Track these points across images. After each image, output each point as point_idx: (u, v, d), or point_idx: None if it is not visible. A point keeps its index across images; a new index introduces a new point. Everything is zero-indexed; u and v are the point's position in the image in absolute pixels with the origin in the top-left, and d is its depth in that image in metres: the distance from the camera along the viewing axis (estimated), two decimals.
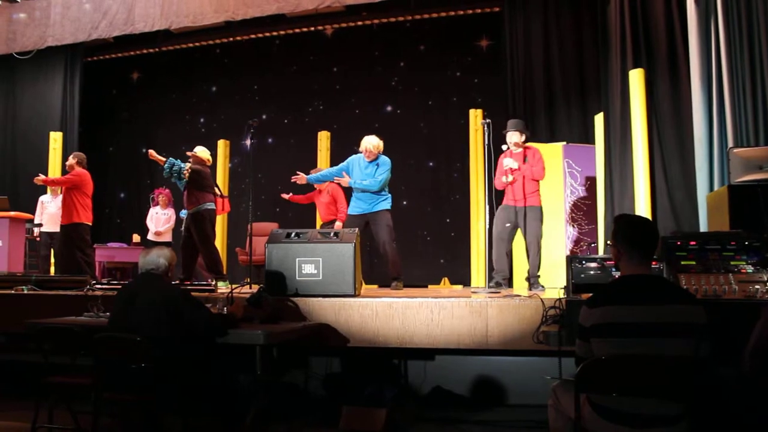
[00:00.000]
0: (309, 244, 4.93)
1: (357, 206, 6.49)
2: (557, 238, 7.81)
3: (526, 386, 4.77)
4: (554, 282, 7.46)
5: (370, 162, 6.45)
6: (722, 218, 5.04)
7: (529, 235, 6.17)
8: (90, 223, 7.70)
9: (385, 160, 6.49)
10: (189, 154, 7.07)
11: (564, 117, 8.57)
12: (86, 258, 7.62)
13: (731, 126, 5.88)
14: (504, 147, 6.34)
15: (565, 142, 8.11)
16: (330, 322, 4.55)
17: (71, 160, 7.80)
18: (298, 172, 6.83)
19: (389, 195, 6.54)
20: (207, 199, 6.92)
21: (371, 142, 6.43)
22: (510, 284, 6.51)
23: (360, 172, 6.47)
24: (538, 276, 6.21)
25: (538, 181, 6.26)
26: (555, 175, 7.90)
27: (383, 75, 10.91)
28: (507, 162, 6.20)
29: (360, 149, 6.50)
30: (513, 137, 6.29)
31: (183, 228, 7.03)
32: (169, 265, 3.81)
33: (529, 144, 6.47)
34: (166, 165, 6.93)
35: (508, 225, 6.20)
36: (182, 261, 6.95)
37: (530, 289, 6.02)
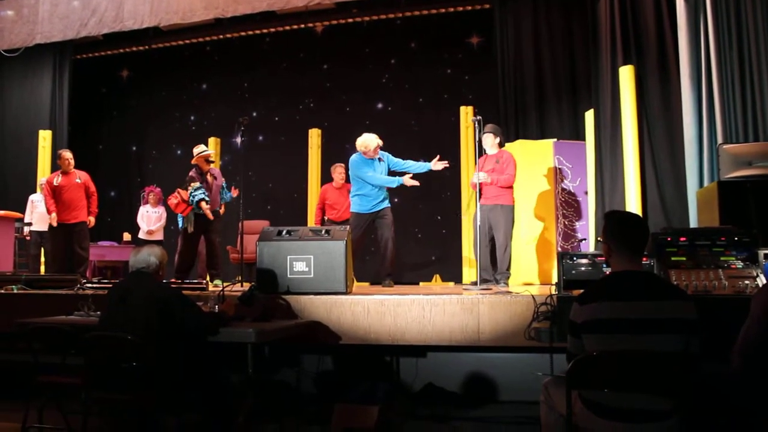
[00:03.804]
0: (300, 242, 4.92)
1: (363, 204, 6.54)
2: (548, 234, 7.83)
3: (518, 383, 4.77)
4: (545, 278, 7.52)
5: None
6: (712, 214, 5.07)
7: (497, 233, 6.30)
8: None
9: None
10: (203, 162, 7.09)
11: (554, 114, 8.60)
12: (87, 254, 7.81)
13: (720, 122, 5.91)
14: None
15: (555, 139, 8.13)
16: (322, 320, 4.55)
17: (72, 159, 7.79)
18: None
19: (387, 192, 6.68)
20: None
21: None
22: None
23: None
24: (508, 274, 6.35)
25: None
26: (545, 172, 7.93)
27: (374, 72, 10.90)
28: (481, 177, 6.26)
29: (374, 152, 6.56)
30: (487, 140, 6.45)
31: (193, 227, 6.91)
32: (160, 263, 3.79)
33: (503, 148, 6.67)
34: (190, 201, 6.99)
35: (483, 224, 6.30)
36: (186, 261, 6.91)
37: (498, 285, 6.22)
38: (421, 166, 6.57)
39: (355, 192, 6.61)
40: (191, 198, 6.82)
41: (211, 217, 6.96)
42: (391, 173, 6.69)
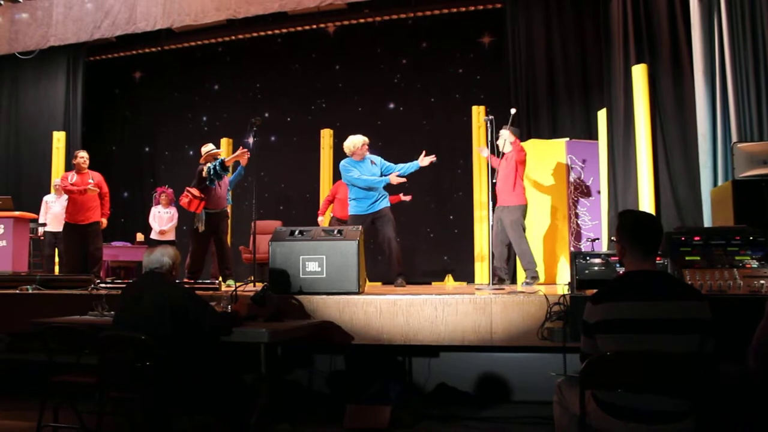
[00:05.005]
0: (313, 242, 4.93)
1: (360, 206, 6.53)
2: (561, 234, 7.80)
3: (531, 383, 4.76)
4: (558, 278, 7.49)
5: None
6: (726, 213, 5.03)
7: (509, 233, 6.53)
8: None
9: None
10: (212, 160, 7.02)
11: (567, 113, 8.56)
12: (101, 254, 7.85)
13: (735, 121, 5.87)
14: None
15: (568, 138, 8.10)
16: (334, 320, 4.55)
17: (88, 161, 7.81)
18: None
19: (386, 192, 6.69)
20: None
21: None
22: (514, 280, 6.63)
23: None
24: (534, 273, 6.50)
25: (516, 182, 6.54)
26: (558, 171, 7.90)
27: (386, 72, 10.90)
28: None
29: (362, 150, 6.58)
30: (504, 135, 6.60)
31: (204, 225, 6.88)
32: (173, 263, 3.81)
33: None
34: (212, 173, 6.83)
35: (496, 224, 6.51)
36: (198, 261, 6.89)
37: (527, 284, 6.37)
38: (411, 166, 6.61)
39: (351, 197, 6.63)
40: (211, 172, 6.69)
41: (244, 160, 6.86)
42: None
